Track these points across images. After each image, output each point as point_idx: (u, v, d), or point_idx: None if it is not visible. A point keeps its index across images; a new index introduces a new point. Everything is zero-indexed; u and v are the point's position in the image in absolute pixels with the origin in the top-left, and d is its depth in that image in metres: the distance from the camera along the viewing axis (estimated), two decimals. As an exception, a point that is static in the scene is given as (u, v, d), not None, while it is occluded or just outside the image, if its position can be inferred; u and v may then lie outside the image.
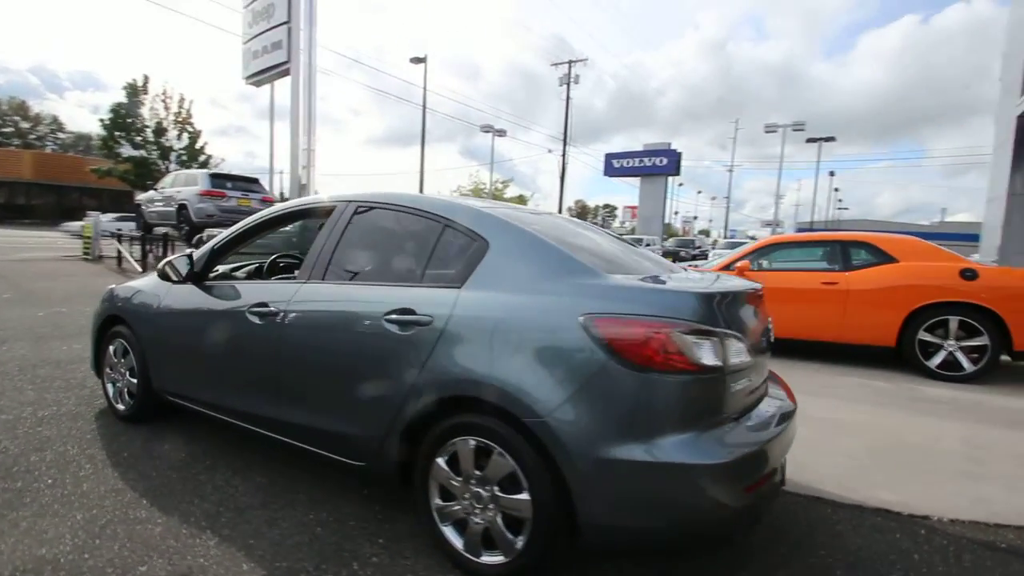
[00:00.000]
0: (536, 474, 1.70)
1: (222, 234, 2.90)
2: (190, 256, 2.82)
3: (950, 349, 4.94)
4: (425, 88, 25.33)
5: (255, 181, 13.64)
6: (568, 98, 35.77)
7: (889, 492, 2.64)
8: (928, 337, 5.02)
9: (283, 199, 15.46)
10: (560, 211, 41.82)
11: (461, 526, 1.92)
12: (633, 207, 53.82)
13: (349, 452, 2.19)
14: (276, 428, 2.42)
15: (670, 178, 40.57)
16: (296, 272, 3.17)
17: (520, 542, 1.76)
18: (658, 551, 1.99)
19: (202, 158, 28.80)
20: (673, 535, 1.66)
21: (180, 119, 28.10)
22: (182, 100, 28.01)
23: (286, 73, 15.27)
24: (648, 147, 39.37)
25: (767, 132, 28.59)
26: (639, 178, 39.77)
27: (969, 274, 4.90)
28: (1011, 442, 3.44)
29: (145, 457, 2.71)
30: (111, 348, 3.24)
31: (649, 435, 1.62)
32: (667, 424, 1.63)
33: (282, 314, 2.36)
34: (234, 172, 14.04)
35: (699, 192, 60.68)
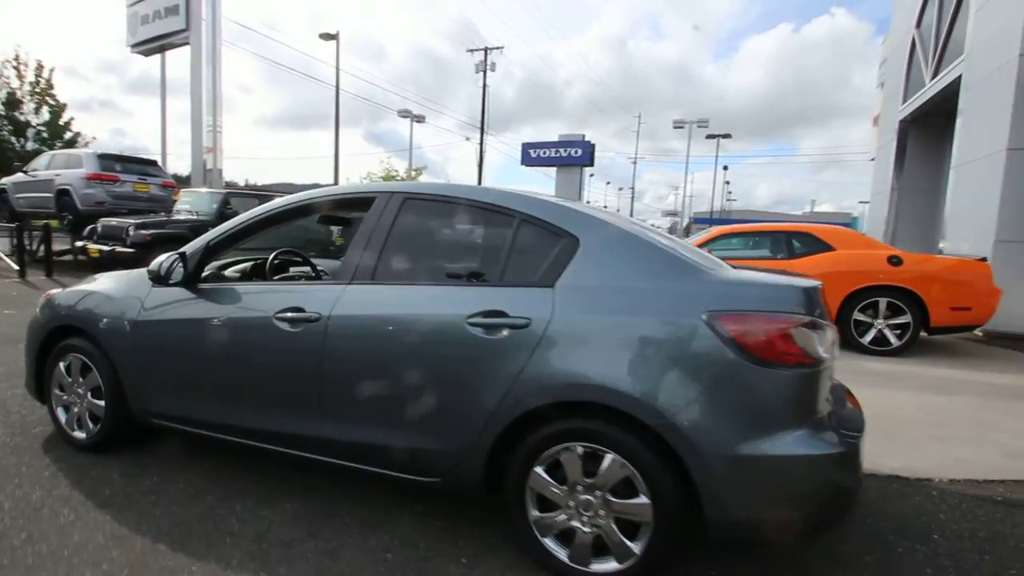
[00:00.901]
0: (656, 476, 1.66)
1: (218, 229, 2.50)
2: (183, 255, 2.39)
3: (879, 327, 5.57)
4: (338, 68, 23.77)
5: (153, 163, 12.13)
6: (485, 86, 35.55)
7: (892, 460, 2.90)
8: (861, 317, 5.63)
9: (183, 184, 13.87)
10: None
11: (564, 536, 1.82)
12: (546, 197, 54.83)
13: (419, 468, 1.99)
14: (314, 448, 2.14)
15: (584, 169, 41.88)
16: (311, 270, 2.91)
17: (638, 546, 1.70)
18: (781, 542, 1.96)
19: (68, 135, 24.89)
20: (801, 524, 1.68)
21: (38, 90, 24.02)
22: (40, 68, 23.97)
23: (184, 43, 13.62)
24: (563, 138, 40.24)
25: (675, 128, 30.51)
26: (555, 168, 40.71)
27: (895, 260, 5.55)
28: (956, 406, 3.96)
29: (135, 493, 2.28)
30: (62, 365, 2.68)
31: (776, 428, 1.63)
32: (791, 416, 1.65)
33: (324, 321, 2.08)
34: (126, 153, 12.33)
35: (608, 183, 63.05)
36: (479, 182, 37.08)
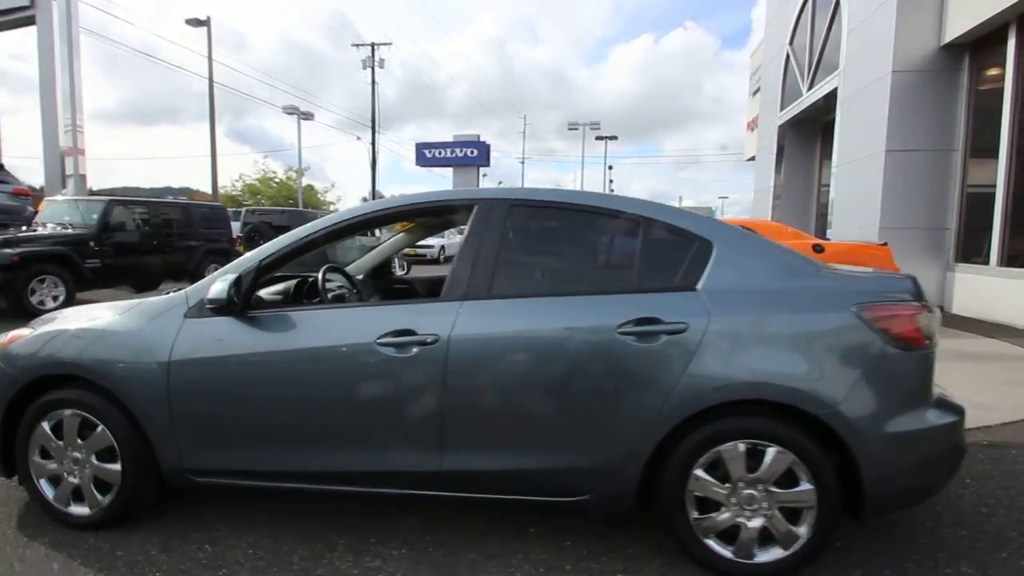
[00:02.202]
0: (819, 463, 1.75)
1: (272, 245, 2.15)
2: (238, 280, 2.01)
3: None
4: (210, 57, 21.28)
5: (-1, 168, 10.01)
6: (374, 83, 34.34)
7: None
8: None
9: (37, 194, 11.64)
10: (372, 199, 40.15)
11: (727, 534, 1.84)
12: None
13: (566, 488, 1.90)
14: (431, 483, 1.95)
15: (480, 169, 42.21)
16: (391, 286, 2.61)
17: (803, 530, 1.79)
18: (919, 504, 2.12)
19: None
20: (938, 486, 1.89)
21: None
22: None
23: (29, 22, 11.42)
24: (458, 138, 40.28)
25: (570, 129, 32.08)
26: (451, 169, 40.61)
27: (818, 248, 6.33)
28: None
29: (197, 569, 1.89)
30: (46, 426, 2.13)
31: (917, 404, 1.83)
32: (925, 392, 1.86)
33: (444, 342, 1.89)
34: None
35: (500, 183, 64.20)
36: (373, 183, 35.85)
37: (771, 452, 1.77)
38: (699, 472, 1.82)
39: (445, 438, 1.92)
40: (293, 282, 2.61)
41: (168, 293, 2.33)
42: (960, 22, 6.96)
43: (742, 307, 1.85)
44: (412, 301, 2.10)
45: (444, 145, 40.78)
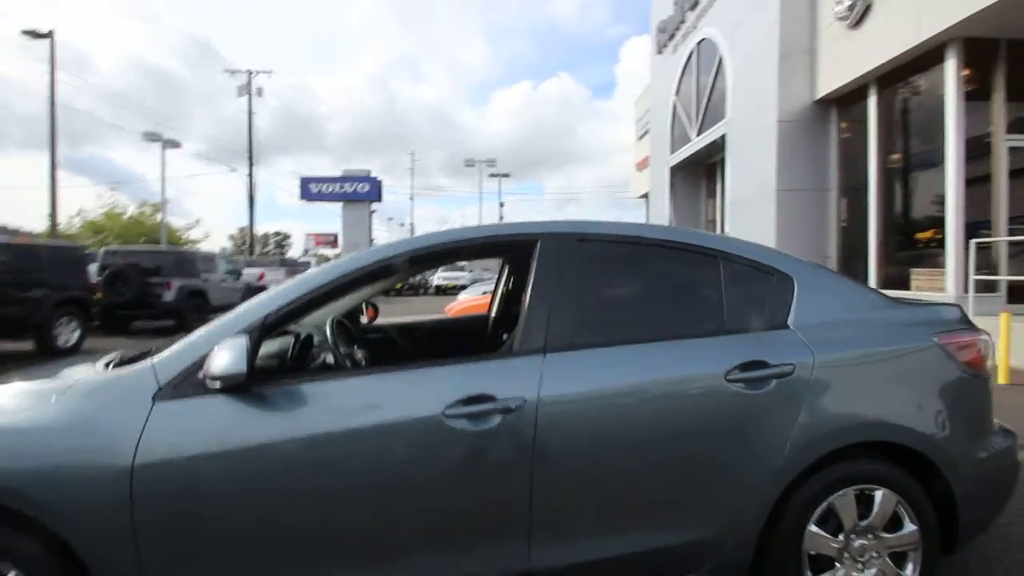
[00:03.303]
0: (921, 501, 1.70)
1: (282, 295, 1.65)
2: (253, 342, 1.48)
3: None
4: (53, 76, 18.26)
5: None
6: (250, 112, 32.19)
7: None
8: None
9: None
10: (249, 238, 36.93)
11: None
12: (317, 234, 51.90)
13: (674, 569, 1.63)
14: None
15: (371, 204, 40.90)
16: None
17: (908, 574, 1.71)
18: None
19: None
20: (1002, 508, 1.90)
21: None
22: None
23: None
24: (348, 173, 38.89)
25: (467, 166, 32.52)
26: (340, 204, 38.90)
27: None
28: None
29: None
30: None
31: (988, 429, 1.87)
32: (991, 416, 1.90)
33: (531, 407, 1.54)
34: None
35: (390, 219, 62.69)
36: (251, 218, 32.96)
37: (879, 495, 1.68)
38: (813, 527, 1.66)
39: (534, 526, 1.55)
40: (280, 341, 2.05)
41: (104, 362, 1.68)
42: (827, 83, 8.16)
43: (839, 343, 1.76)
44: (476, 359, 1.70)
45: (332, 180, 39.16)
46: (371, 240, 40.67)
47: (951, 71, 6.26)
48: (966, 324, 1.92)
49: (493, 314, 3.25)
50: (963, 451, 1.75)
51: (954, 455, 1.73)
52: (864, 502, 1.68)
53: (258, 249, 46.62)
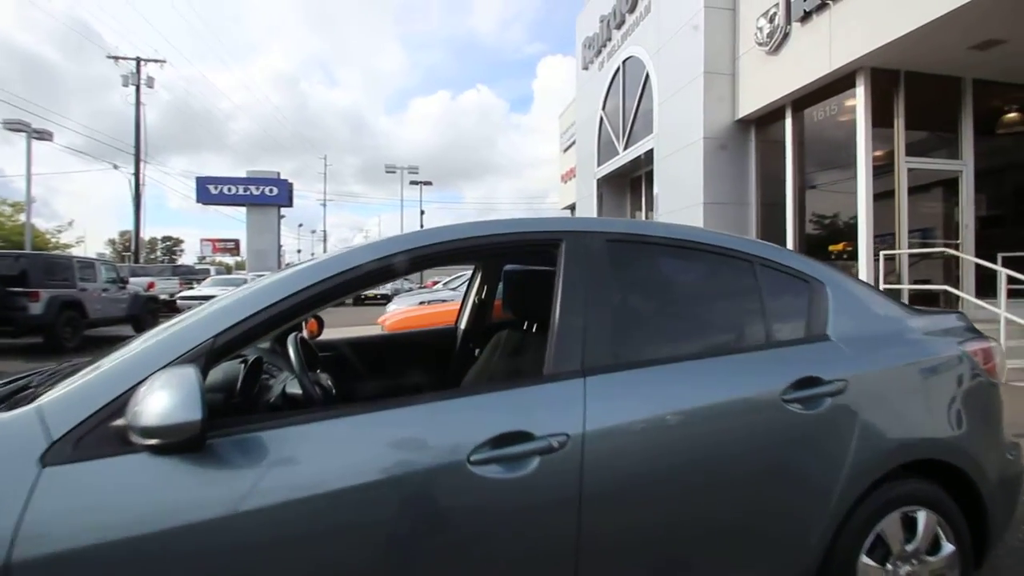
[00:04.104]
0: (957, 519, 1.64)
1: (234, 308, 1.21)
2: (202, 374, 1.03)
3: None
4: None
5: None
6: (138, 103, 28.96)
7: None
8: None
9: None
10: (134, 243, 33.07)
11: None
12: (215, 240, 47.74)
13: None
14: None
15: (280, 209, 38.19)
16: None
17: None
18: None
19: None
20: (1012, 515, 1.87)
21: None
22: None
23: None
24: (254, 174, 36.14)
25: (387, 172, 31.22)
26: (243, 208, 35.92)
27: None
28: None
29: None
30: None
31: (1002, 439, 1.83)
32: (1002, 425, 1.87)
33: (575, 444, 1.24)
34: None
35: (300, 225, 58.88)
36: (136, 221, 29.36)
37: (922, 517, 1.59)
38: (865, 558, 1.53)
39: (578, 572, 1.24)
40: (223, 367, 1.56)
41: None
42: (747, 104, 8.66)
43: (880, 355, 1.66)
44: (499, 387, 1.34)
45: (236, 181, 36.13)
46: (279, 247, 38.02)
47: (861, 97, 6.83)
48: (975, 331, 1.89)
49: (463, 326, 2.88)
50: (992, 463, 1.71)
51: (986, 468, 1.68)
52: (907, 525, 1.59)
53: (144, 255, 42.00)
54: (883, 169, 6.94)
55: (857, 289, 1.80)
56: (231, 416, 1.28)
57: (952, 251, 6.83)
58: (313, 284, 1.25)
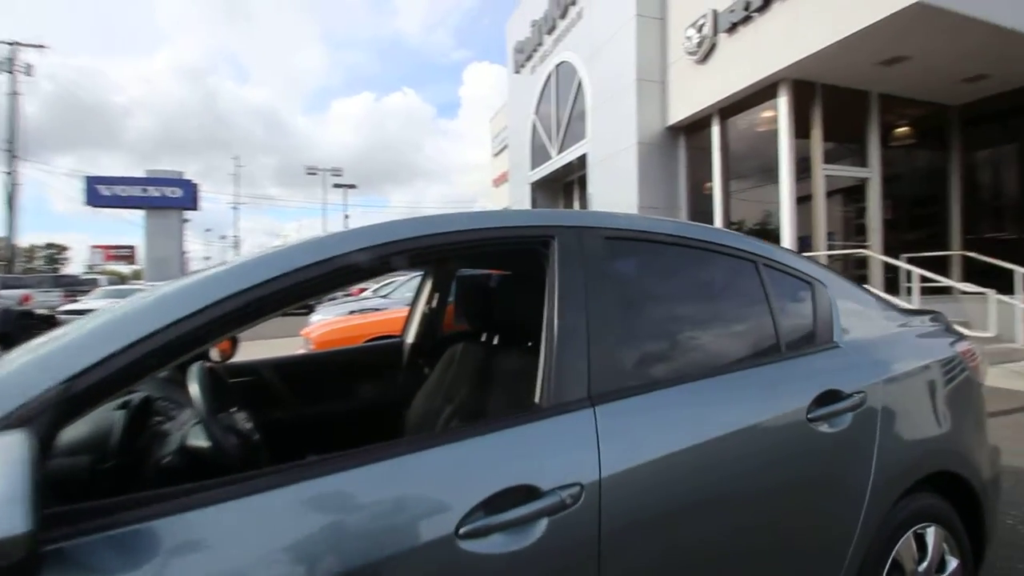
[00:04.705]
0: (959, 532, 1.56)
1: (111, 326, 0.80)
2: (40, 446, 0.64)
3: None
4: None
5: None
6: (14, 93, 25.55)
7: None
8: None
9: None
10: (10, 251, 28.99)
11: None
12: (107, 246, 42.95)
13: None
14: None
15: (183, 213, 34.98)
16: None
17: None
18: None
19: None
20: None
21: None
22: None
23: None
24: (153, 174, 32.87)
25: (308, 174, 29.42)
26: (143, 211, 32.51)
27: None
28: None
29: None
30: None
31: (988, 442, 1.77)
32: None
33: (590, 493, 0.98)
34: None
35: (208, 230, 54.29)
36: (11, 224, 25.67)
37: (931, 533, 1.48)
38: None
39: None
40: (95, 416, 1.11)
41: None
42: (677, 112, 8.88)
43: (888, 361, 1.53)
44: (483, 427, 1.01)
45: (133, 182, 32.73)
46: (183, 254, 34.65)
47: (783, 107, 7.16)
48: (955, 331, 1.83)
49: (410, 340, 2.51)
50: (986, 470, 1.65)
51: (984, 476, 1.62)
52: (919, 545, 1.48)
53: (21, 264, 37.04)
54: (803, 175, 7.31)
55: (854, 290, 1.68)
56: (101, 493, 0.86)
57: (866, 252, 7.32)
58: (232, 296, 0.87)
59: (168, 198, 32.66)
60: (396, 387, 2.44)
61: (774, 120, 7.40)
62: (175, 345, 0.82)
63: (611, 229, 1.27)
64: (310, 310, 10.75)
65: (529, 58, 13.48)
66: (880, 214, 7.54)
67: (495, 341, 2.20)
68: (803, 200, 7.34)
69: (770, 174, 7.56)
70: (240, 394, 1.90)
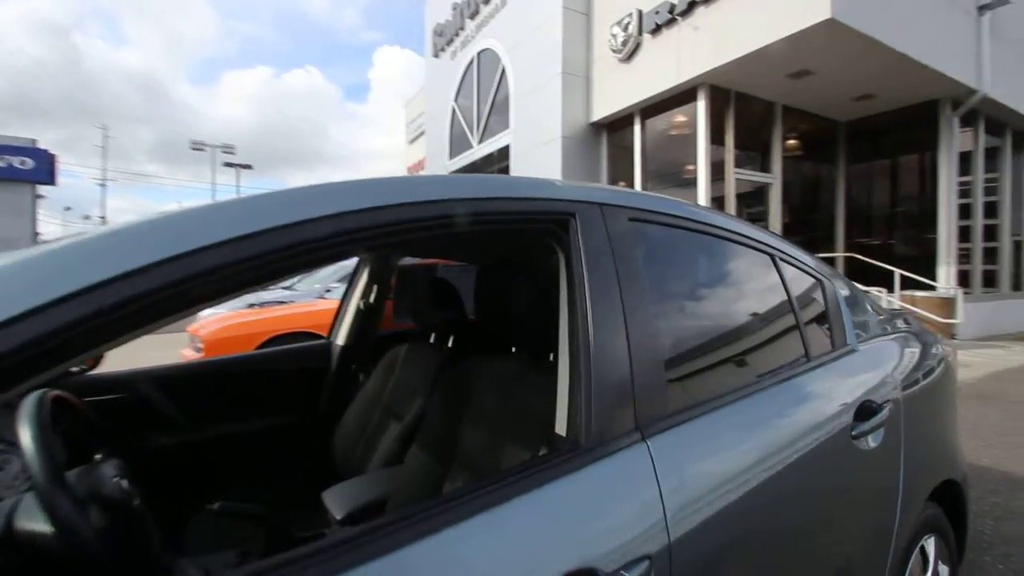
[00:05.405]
0: (950, 539, 1.52)
1: None
2: None
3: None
4: None
5: None
6: None
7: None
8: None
9: None
10: None
11: None
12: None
13: None
14: None
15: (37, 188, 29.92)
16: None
17: None
18: None
19: None
20: None
21: None
22: None
23: None
24: (-4, 141, 27.56)
25: (194, 149, 26.14)
26: (-20, 183, 27.24)
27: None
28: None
29: None
30: None
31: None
32: None
33: (654, 571, 0.72)
34: None
35: (68, 209, 46.72)
36: None
37: (931, 544, 1.43)
38: None
39: None
40: None
41: None
42: (600, 109, 8.94)
43: (901, 365, 1.45)
44: (511, 475, 0.70)
45: (-34, 147, 27.09)
46: (36, 235, 29.63)
47: (702, 111, 7.43)
48: (929, 332, 1.83)
49: (341, 341, 2.09)
50: (963, 467, 1.62)
51: (964, 473, 1.59)
52: (923, 559, 1.41)
53: None
54: (717, 177, 7.65)
55: (853, 287, 1.58)
56: None
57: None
58: (125, 276, 0.50)
59: (16, 169, 27.73)
60: (322, 398, 2.02)
61: (693, 123, 7.66)
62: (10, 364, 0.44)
63: (636, 209, 1.01)
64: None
65: (450, 42, 12.99)
66: (780, 216, 8.12)
67: (450, 343, 1.87)
68: (716, 201, 7.69)
69: (688, 175, 7.83)
70: (109, 423, 1.41)
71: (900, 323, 1.66)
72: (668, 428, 0.83)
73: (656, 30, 7.63)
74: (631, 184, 8.71)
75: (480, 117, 11.76)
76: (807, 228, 9.06)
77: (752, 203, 8.40)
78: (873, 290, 6.75)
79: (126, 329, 0.55)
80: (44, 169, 28.51)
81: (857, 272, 7.98)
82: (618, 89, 8.51)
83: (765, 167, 8.16)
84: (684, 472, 0.80)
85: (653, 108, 8.32)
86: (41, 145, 29.48)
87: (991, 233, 8.74)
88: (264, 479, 1.72)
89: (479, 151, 11.78)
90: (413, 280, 1.96)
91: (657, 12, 7.55)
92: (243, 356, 2.05)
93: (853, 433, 1.11)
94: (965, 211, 8.22)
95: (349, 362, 2.07)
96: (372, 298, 2.12)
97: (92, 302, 0.51)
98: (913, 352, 1.50)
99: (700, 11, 7.02)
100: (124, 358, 1.84)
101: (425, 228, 0.75)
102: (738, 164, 7.75)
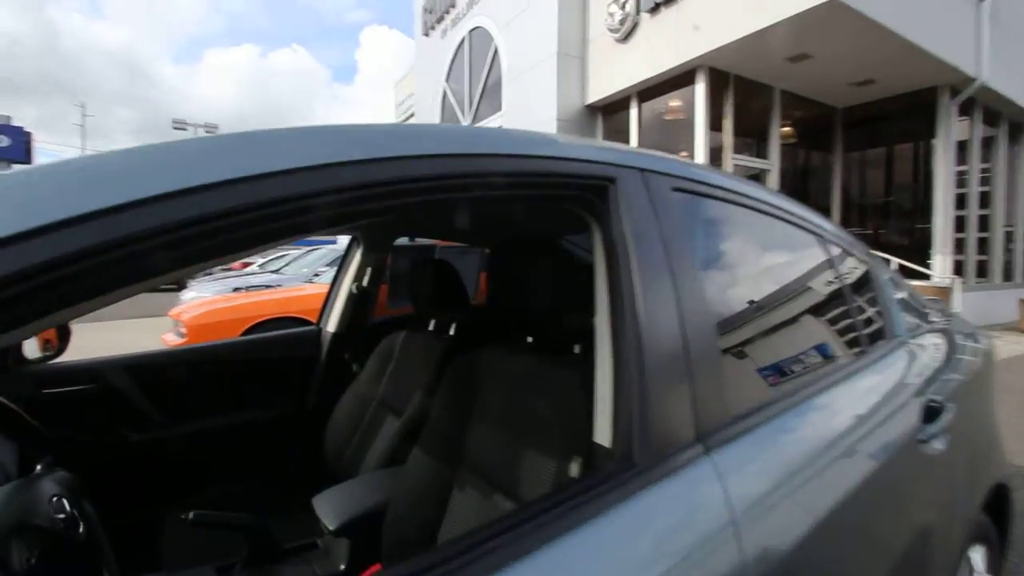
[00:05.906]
0: (995, 546, 1.42)
1: None
2: None
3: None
4: None
5: None
6: None
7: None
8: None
9: None
10: None
11: None
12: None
13: None
14: None
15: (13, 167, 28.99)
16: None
17: None
18: None
19: None
20: None
21: None
22: None
23: None
24: (-35, 117, 26.47)
25: (175, 128, 25.39)
26: (-49, 161, 26.26)
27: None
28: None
29: None
30: None
31: None
32: None
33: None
34: None
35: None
36: None
37: (980, 556, 1.33)
38: None
39: None
40: None
41: None
42: (596, 91, 8.73)
43: (955, 360, 1.35)
44: (551, 501, 0.56)
45: (-67, 122, 25.98)
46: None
47: (701, 94, 7.26)
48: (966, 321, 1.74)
49: (332, 328, 1.93)
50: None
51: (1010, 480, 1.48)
52: (968, 563, 1.29)
53: None
54: (714, 163, 7.52)
55: (893, 273, 1.46)
56: None
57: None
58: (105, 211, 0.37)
59: (-12, 147, 26.75)
60: (311, 390, 1.88)
61: (691, 107, 7.50)
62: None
63: (680, 178, 0.87)
64: (181, 286, 9.15)
65: (440, 20, 12.62)
66: (777, 204, 8.02)
67: (451, 331, 1.73)
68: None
69: (686, 157, 7.68)
70: (72, 418, 1.25)
71: (937, 315, 1.56)
72: (732, 439, 0.70)
73: (655, 9, 7.42)
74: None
75: (472, 98, 11.47)
76: (802, 216, 9.00)
77: (748, 190, 8.29)
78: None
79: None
80: (19, 147, 27.50)
81: (851, 260, 7.94)
82: (615, 70, 8.30)
83: (762, 153, 8.05)
84: (755, 494, 0.67)
85: (650, 91, 8.13)
86: (16, 123, 28.44)
87: (984, 223, 8.76)
88: (247, 480, 1.58)
89: (471, 133, 11.52)
90: (410, 262, 1.81)
91: (656, -10, 7.34)
92: (225, 343, 1.88)
93: (921, 437, 0.99)
94: (960, 201, 8.20)
95: (341, 351, 1.92)
96: (365, 281, 1.96)
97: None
98: (962, 346, 1.39)
99: (701, -10, 6.82)
100: (97, 343, 1.66)
101: (428, 190, 0.60)
102: (737, 149, 7.62)
